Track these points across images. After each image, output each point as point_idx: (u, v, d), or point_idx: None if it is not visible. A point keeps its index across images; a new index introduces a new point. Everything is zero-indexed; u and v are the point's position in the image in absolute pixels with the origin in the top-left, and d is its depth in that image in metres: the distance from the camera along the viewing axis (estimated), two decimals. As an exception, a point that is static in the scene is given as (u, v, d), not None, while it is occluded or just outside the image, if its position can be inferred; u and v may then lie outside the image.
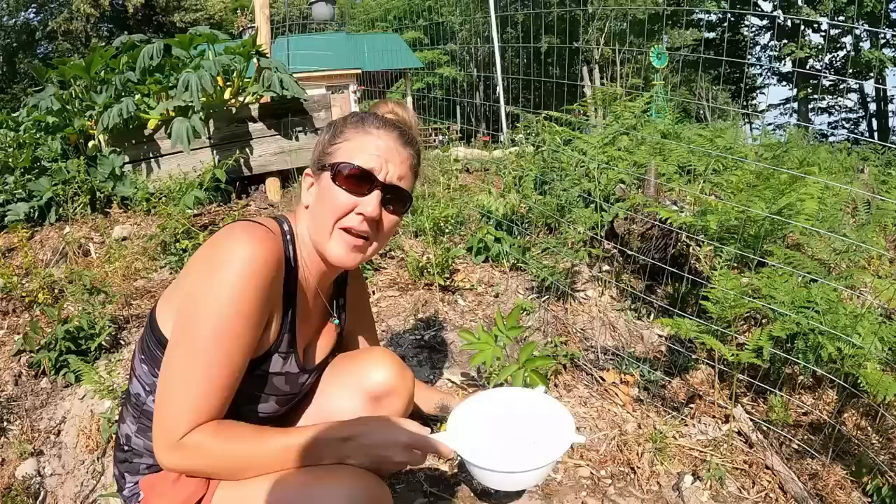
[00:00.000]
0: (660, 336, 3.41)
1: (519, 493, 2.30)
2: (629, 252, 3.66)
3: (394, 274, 4.04)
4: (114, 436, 2.62)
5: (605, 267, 3.90)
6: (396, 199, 1.64)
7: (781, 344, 2.95)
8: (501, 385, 2.47)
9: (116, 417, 2.38)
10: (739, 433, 2.73)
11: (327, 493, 1.41)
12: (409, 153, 1.67)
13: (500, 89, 8.88)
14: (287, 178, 5.51)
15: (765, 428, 2.75)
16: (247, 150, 5.37)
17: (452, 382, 2.95)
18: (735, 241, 3.14)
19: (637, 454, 2.54)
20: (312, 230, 1.64)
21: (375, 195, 1.58)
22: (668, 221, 3.32)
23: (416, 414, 2.47)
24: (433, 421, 2.25)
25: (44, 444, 2.82)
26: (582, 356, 3.16)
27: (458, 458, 2.26)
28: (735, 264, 3.25)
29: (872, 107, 35.42)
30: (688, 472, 2.48)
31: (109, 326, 3.21)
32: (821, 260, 3.74)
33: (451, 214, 4.39)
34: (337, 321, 1.91)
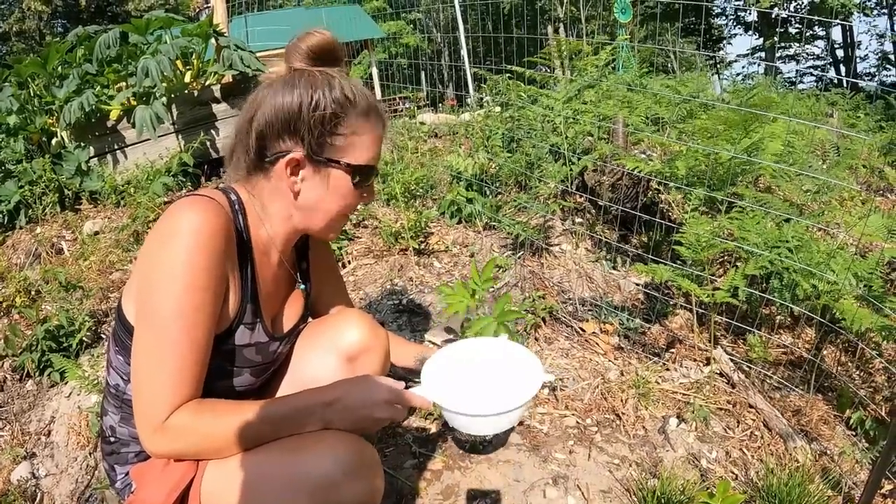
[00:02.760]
0: (636, 284, 3.41)
1: (504, 442, 2.30)
2: (601, 203, 3.65)
3: (368, 242, 4.01)
4: (99, 430, 2.59)
5: (578, 220, 3.89)
6: None
7: (757, 284, 2.96)
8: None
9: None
10: (721, 374, 2.75)
11: (317, 460, 1.39)
12: None
13: (464, 52, 8.80)
14: (255, 155, 5.40)
15: (746, 368, 2.77)
16: (212, 131, 5.27)
17: (433, 343, 2.92)
18: (704, 185, 3.14)
19: (621, 401, 2.55)
20: (304, 216, 1.62)
21: (372, 183, 1.64)
22: (636, 170, 3.31)
23: (394, 374, 2.47)
24: (414, 375, 2.24)
25: (36, 446, 2.79)
26: (560, 309, 3.15)
27: (441, 417, 2.27)
28: (706, 209, 3.26)
29: (840, 53, 35.57)
30: (672, 415, 2.49)
31: (88, 321, 3.16)
32: (791, 201, 3.75)
33: (420, 177, 4.35)
34: (303, 286, 1.87)
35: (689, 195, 3.06)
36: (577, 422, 2.46)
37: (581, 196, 3.91)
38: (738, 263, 3.20)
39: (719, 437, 2.44)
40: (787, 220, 2.96)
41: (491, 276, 2.43)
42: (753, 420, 2.52)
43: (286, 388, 1.88)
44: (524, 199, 3.83)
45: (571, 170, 3.65)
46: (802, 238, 2.81)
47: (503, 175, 4.39)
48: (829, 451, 2.38)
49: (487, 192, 4.29)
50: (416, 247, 3.74)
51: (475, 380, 1.75)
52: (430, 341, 2.93)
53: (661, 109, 4.38)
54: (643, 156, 3.69)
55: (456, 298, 2.42)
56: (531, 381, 1.59)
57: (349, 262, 3.76)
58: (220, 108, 5.32)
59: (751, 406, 2.58)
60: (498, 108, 5.73)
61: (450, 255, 3.80)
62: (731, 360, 2.80)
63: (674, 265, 2.74)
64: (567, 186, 3.68)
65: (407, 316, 3.19)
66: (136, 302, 1.45)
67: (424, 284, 3.43)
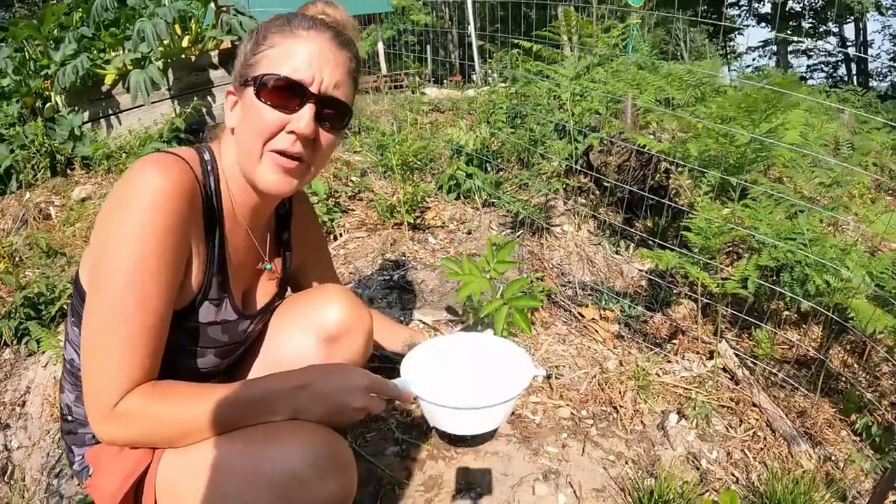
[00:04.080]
0: (640, 270, 3.29)
1: (492, 435, 2.18)
2: (606, 184, 3.53)
3: (362, 215, 3.88)
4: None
5: (582, 200, 3.76)
6: (333, 112, 1.40)
7: (766, 277, 2.83)
8: (483, 321, 2.37)
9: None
10: (725, 369, 2.63)
11: (281, 453, 1.26)
12: (345, 56, 1.41)
13: (471, 28, 8.68)
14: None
15: (750, 364, 2.65)
16: (208, 98, 5.18)
17: (424, 323, 2.81)
18: (717, 170, 3.00)
19: (619, 392, 2.43)
20: (240, 156, 1.42)
21: (308, 110, 1.34)
22: (647, 148, 3.19)
23: (380, 357, 2.36)
24: (402, 360, 2.11)
25: (10, 417, 2.70)
26: (559, 292, 3.03)
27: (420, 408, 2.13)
28: (714, 196, 3.12)
29: (851, 51, 35.39)
30: (672, 410, 2.37)
31: (69, 288, 3.05)
32: (803, 193, 3.64)
33: (419, 149, 4.20)
34: (268, 266, 1.69)
35: (701, 178, 2.92)
36: (572, 413, 2.33)
37: (585, 176, 3.77)
38: (745, 255, 3.10)
39: (720, 436, 2.31)
40: (800, 212, 2.85)
41: (507, 260, 2.28)
42: (756, 419, 2.40)
43: (258, 369, 1.73)
44: (526, 175, 3.70)
45: (577, 148, 3.52)
46: (816, 232, 2.68)
47: (505, 151, 4.25)
48: (833, 457, 2.25)
49: (489, 169, 4.16)
50: (411, 221, 3.61)
51: (459, 375, 1.66)
52: (420, 320, 2.82)
53: (672, 90, 4.23)
54: (651, 137, 3.55)
55: (466, 277, 2.26)
56: (520, 376, 1.47)
57: (340, 235, 3.63)
58: (217, 75, 5.24)
59: (754, 405, 2.46)
60: (503, 85, 5.60)
61: (446, 231, 3.68)
62: (736, 355, 2.67)
63: (681, 251, 2.60)
64: (571, 164, 3.55)
65: (398, 293, 3.06)
66: (90, 268, 1.31)
67: (418, 260, 3.31)
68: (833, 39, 35.66)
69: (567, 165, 3.60)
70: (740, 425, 2.37)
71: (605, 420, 2.32)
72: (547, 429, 2.24)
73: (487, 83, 6.59)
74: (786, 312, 3.05)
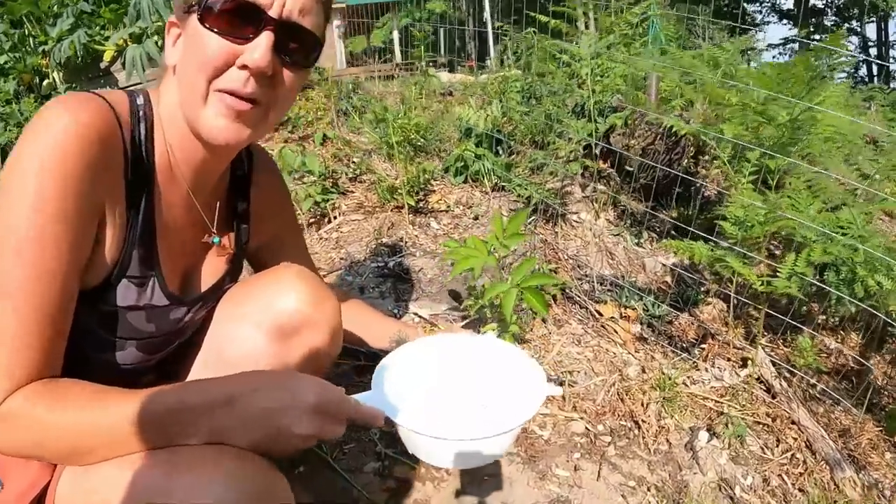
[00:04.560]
0: (664, 265, 3.00)
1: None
2: (629, 168, 3.26)
3: (361, 198, 3.62)
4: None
5: (601, 187, 3.47)
6: (298, 43, 1.12)
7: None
8: (484, 309, 2.12)
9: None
10: (759, 380, 2.34)
11: (192, 488, 0.96)
12: None
13: (487, 14, 8.51)
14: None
15: (787, 374, 2.37)
16: (209, 75, 5.08)
17: (420, 317, 2.54)
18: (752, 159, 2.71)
19: (642, 405, 2.14)
20: (182, 98, 1.13)
21: (265, 38, 1.06)
22: (675, 130, 2.93)
23: (371, 354, 2.07)
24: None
25: None
26: (575, 286, 2.75)
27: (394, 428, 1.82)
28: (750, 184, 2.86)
29: (873, 51, 35.12)
30: (702, 426, 2.09)
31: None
32: (844, 184, 3.38)
33: (421, 124, 3.90)
34: (216, 240, 1.38)
35: (741, 160, 2.62)
36: (587, 428, 2.04)
37: (605, 161, 3.49)
38: (778, 251, 2.93)
39: (756, 458, 2.02)
40: (843, 205, 2.57)
41: (519, 231, 1.97)
42: (795, 439, 2.11)
43: (200, 369, 1.41)
44: (542, 155, 3.42)
45: (597, 129, 3.25)
46: (866, 228, 2.41)
47: (518, 133, 3.96)
48: (880, 484, 1.97)
49: (500, 151, 3.89)
50: (413, 204, 3.33)
51: (451, 390, 1.37)
52: (416, 314, 2.55)
53: (702, 67, 3.94)
54: (679, 118, 3.28)
55: (467, 253, 1.95)
56: (529, 395, 1.20)
57: (335, 217, 3.35)
58: (219, 51, 5.12)
59: (793, 422, 2.16)
60: (518, 72, 5.38)
61: (451, 215, 3.40)
62: (772, 364, 2.38)
63: (716, 241, 2.34)
64: (592, 143, 3.29)
65: (392, 281, 2.79)
66: None
67: (417, 247, 3.03)
68: (855, 39, 35.41)
69: (586, 145, 3.33)
70: (777, 445, 2.09)
71: (625, 437, 2.04)
72: (557, 447, 1.96)
73: (503, 63, 6.39)
74: (822, 317, 2.78)
